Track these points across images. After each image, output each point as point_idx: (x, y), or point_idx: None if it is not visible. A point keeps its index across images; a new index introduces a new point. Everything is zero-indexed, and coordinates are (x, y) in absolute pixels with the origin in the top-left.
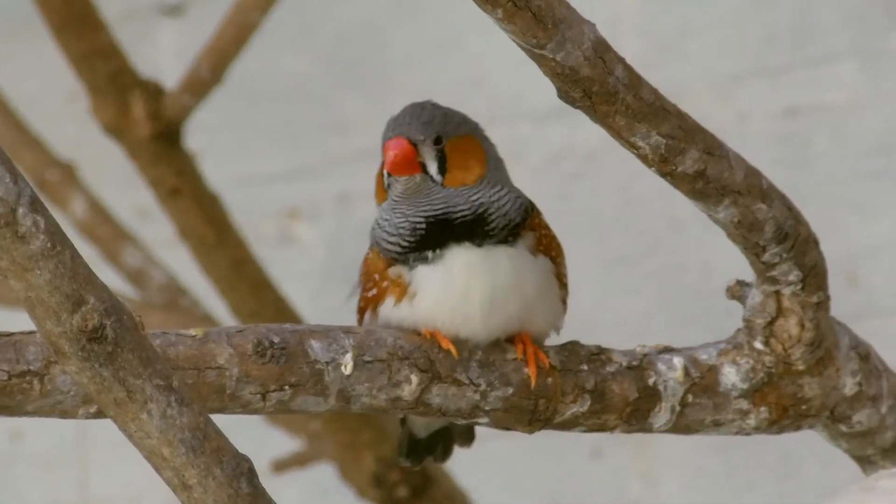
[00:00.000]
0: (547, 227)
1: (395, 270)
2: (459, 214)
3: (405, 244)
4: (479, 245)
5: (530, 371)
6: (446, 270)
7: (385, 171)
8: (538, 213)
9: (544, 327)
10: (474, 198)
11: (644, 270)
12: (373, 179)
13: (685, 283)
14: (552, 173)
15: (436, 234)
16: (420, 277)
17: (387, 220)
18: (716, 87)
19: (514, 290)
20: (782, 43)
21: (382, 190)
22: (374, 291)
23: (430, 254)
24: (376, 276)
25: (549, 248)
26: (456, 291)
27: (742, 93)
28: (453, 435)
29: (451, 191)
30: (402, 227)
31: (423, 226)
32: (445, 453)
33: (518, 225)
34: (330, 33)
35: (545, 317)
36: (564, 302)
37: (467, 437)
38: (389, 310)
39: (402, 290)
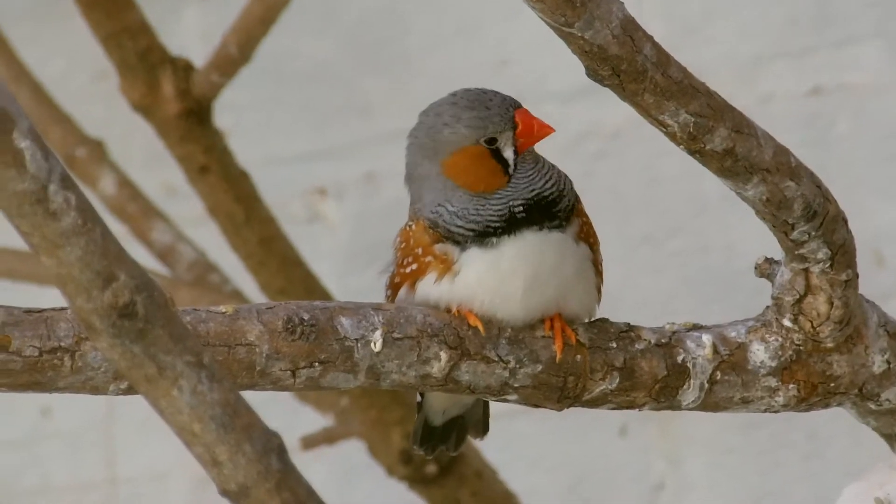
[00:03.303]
0: (587, 216)
1: (442, 247)
2: (548, 193)
3: (482, 230)
4: (541, 229)
5: (556, 345)
6: (498, 253)
7: (515, 150)
8: (580, 200)
9: (579, 312)
10: (548, 173)
11: (668, 250)
12: (398, 159)
13: (709, 262)
14: (576, 154)
15: (520, 219)
16: (469, 258)
17: (465, 207)
18: (739, 68)
19: (555, 274)
20: (805, 24)
21: (499, 178)
22: (415, 266)
23: (494, 239)
24: (419, 251)
25: (588, 235)
26: (501, 272)
27: (765, 74)
28: (467, 425)
29: (539, 165)
30: (493, 216)
31: (522, 210)
32: (458, 443)
33: (572, 208)
34: (353, 16)
35: (580, 302)
36: (599, 290)
37: (481, 427)
38: (429, 286)
39: (446, 268)
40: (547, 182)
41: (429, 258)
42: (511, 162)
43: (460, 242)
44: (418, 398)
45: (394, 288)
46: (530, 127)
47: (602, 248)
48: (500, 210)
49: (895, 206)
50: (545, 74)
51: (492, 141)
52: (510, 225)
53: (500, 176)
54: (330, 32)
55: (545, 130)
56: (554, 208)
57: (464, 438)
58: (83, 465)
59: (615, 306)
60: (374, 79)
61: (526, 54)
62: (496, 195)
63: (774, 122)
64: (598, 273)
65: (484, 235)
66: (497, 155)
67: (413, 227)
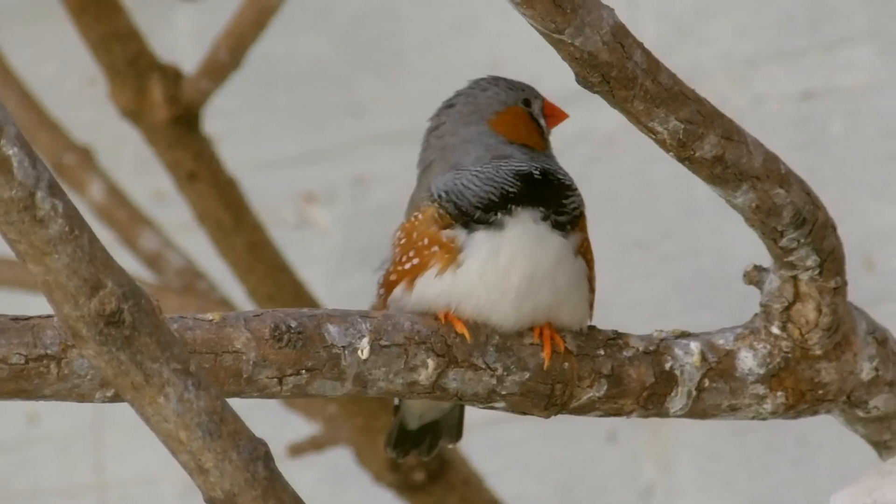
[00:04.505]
0: (588, 234)
1: (450, 233)
2: (562, 177)
3: (496, 195)
4: (545, 219)
5: (545, 352)
6: (500, 239)
7: (545, 124)
8: (585, 219)
9: (569, 323)
10: (561, 168)
11: (660, 254)
12: (390, 161)
13: (701, 267)
14: (569, 157)
15: (531, 188)
16: (474, 243)
17: (484, 171)
18: (732, 70)
19: (550, 279)
20: (799, 26)
21: (542, 139)
22: (416, 261)
23: (499, 214)
24: (424, 241)
25: (587, 251)
26: (500, 264)
27: (759, 76)
28: (441, 431)
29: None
30: (510, 173)
31: (540, 175)
32: (431, 448)
33: (579, 216)
34: (347, 16)
35: (572, 314)
36: (591, 306)
37: (455, 434)
38: (429, 281)
39: (452, 257)
40: (560, 169)
41: (434, 248)
42: (544, 129)
43: (468, 223)
44: (395, 401)
45: (388, 286)
46: (553, 105)
47: (594, 252)
48: (521, 168)
49: (888, 208)
50: (538, 77)
51: (528, 103)
52: (522, 193)
53: (540, 137)
54: (323, 32)
55: (564, 114)
56: (563, 199)
57: (437, 444)
58: (73, 469)
59: (606, 310)
60: (367, 79)
61: (519, 56)
62: (528, 156)
63: (768, 123)
64: (592, 289)
65: (492, 206)
66: (533, 119)
67: (419, 216)
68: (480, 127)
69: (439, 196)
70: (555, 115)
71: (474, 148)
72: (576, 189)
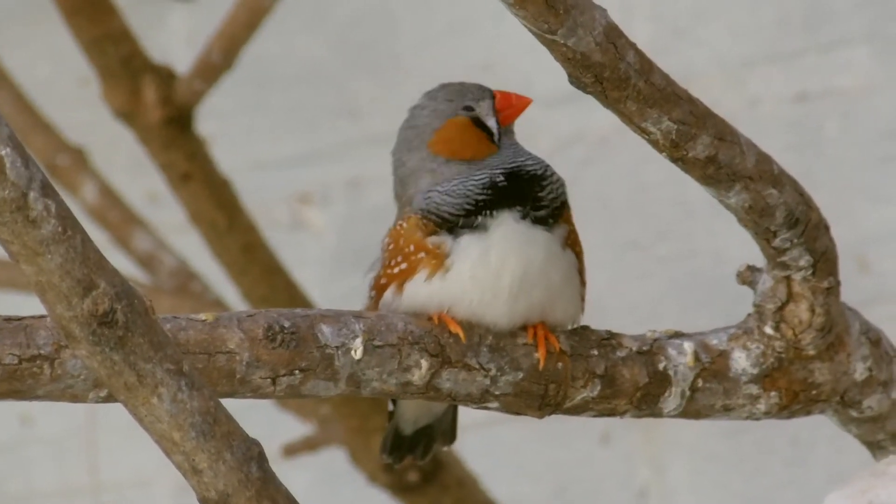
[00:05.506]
0: (574, 225)
1: (435, 240)
2: (531, 167)
3: (470, 205)
4: (525, 217)
5: (540, 353)
6: (487, 241)
7: (497, 122)
8: (570, 209)
9: (563, 319)
10: (531, 156)
11: (655, 256)
12: (384, 163)
13: (696, 268)
14: (563, 159)
15: (501, 193)
16: (461, 248)
17: (454, 185)
18: (727, 72)
19: (543, 276)
20: (795, 27)
21: (486, 145)
22: (405, 266)
23: (480, 218)
24: (410, 248)
25: (574, 243)
26: (491, 265)
27: (754, 78)
28: (435, 434)
29: (522, 149)
30: (476, 186)
31: (503, 179)
32: (426, 452)
33: (560, 206)
34: (342, 18)
35: (565, 309)
36: (583, 299)
37: (449, 436)
38: (419, 285)
39: (439, 263)
40: (529, 159)
41: (421, 254)
42: (495, 131)
43: (453, 229)
44: (390, 407)
45: (378, 290)
46: (508, 97)
47: (588, 254)
48: (482, 179)
49: (881, 210)
50: (532, 78)
51: (469, 108)
52: (495, 199)
53: (486, 143)
54: (317, 34)
55: (524, 101)
56: (539, 191)
57: (431, 447)
58: (67, 470)
59: (601, 312)
60: (361, 81)
61: (514, 57)
62: (483, 164)
63: (762, 125)
64: (583, 282)
65: (471, 213)
66: (479, 124)
67: (404, 224)
68: (421, 152)
69: (420, 209)
70: (512, 107)
71: (419, 179)
72: (551, 176)
